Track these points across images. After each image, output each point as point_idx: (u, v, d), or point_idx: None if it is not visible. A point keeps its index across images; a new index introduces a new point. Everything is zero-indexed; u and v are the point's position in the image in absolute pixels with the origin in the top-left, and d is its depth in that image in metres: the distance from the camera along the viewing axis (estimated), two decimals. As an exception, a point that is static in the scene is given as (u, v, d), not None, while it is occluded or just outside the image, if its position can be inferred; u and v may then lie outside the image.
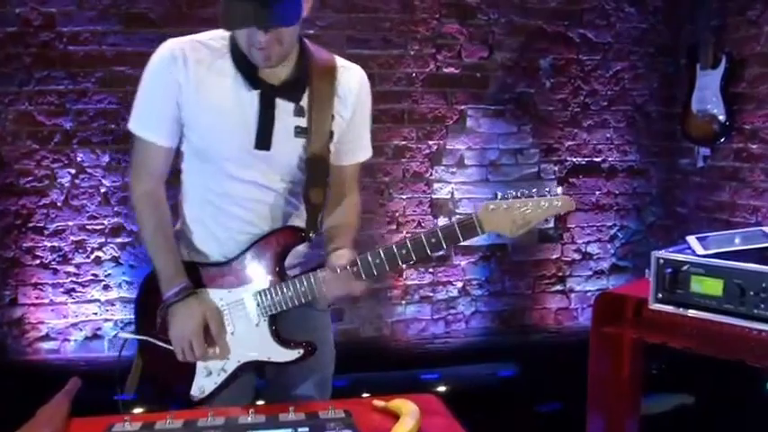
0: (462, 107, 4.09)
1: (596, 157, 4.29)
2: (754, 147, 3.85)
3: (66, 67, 3.63)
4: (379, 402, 1.73)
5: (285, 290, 1.87)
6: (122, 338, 1.98)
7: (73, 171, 3.69)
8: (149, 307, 1.95)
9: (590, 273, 4.36)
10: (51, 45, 3.61)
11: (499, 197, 1.77)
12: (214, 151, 1.89)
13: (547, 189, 1.79)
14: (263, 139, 1.87)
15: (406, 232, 4.09)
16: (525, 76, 4.14)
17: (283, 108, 1.88)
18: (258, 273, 1.92)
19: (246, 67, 1.84)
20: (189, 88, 1.84)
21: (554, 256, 4.31)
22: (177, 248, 1.98)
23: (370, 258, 1.83)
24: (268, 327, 1.91)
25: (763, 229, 2.13)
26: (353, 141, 2.05)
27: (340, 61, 1.98)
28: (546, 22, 4.12)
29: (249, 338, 1.92)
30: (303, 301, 1.87)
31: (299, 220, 2.02)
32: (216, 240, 1.98)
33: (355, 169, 2.10)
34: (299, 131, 1.90)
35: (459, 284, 4.20)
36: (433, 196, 4.12)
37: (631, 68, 4.27)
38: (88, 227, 3.75)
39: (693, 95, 3.98)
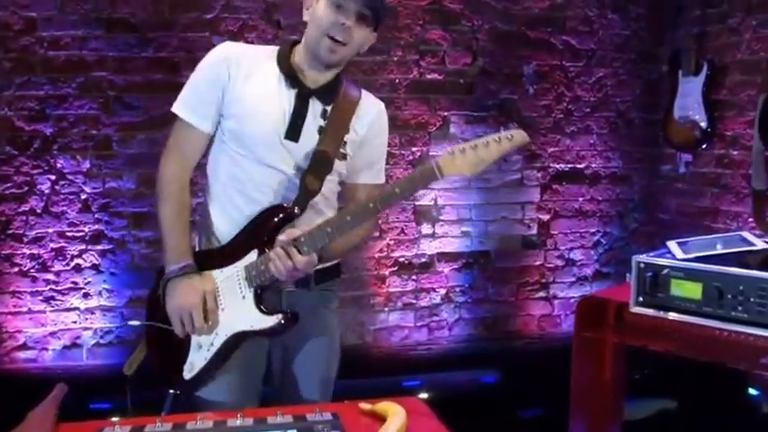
0: (446, 113, 4.16)
1: (579, 163, 4.38)
2: (735, 153, 3.95)
3: (47, 72, 3.66)
4: (365, 405, 1.79)
5: (268, 262, 2.02)
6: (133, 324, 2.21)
7: (53, 177, 3.72)
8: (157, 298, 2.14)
9: (573, 279, 4.45)
10: (32, 50, 3.64)
11: (458, 144, 1.91)
12: (248, 135, 2.10)
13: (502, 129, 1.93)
14: (294, 132, 2.10)
15: (390, 239, 4.15)
16: (508, 82, 4.23)
17: (314, 108, 2.13)
18: (248, 248, 2.10)
19: (289, 73, 2.11)
20: (237, 78, 2.09)
21: (537, 263, 4.39)
22: (190, 236, 2.17)
23: (323, 226, 1.99)
24: (253, 297, 2.08)
25: (742, 234, 2.22)
26: (365, 161, 2.23)
27: (365, 92, 2.25)
28: (529, 29, 4.21)
29: (236, 312, 2.09)
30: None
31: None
32: (231, 222, 2.15)
33: (370, 192, 2.18)
34: (320, 130, 2.13)
35: (443, 291, 4.27)
36: (417, 203, 4.19)
37: (614, 75, 4.37)
38: (68, 234, 3.78)
39: (675, 102, 4.08)
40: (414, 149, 4.13)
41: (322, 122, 2.12)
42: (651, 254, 2.13)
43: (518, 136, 1.86)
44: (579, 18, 4.27)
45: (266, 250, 2.06)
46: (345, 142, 2.16)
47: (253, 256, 2.08)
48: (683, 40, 4.12)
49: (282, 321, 2.06)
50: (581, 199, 4.41)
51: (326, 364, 2.29)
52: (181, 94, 2.16)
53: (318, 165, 2.14)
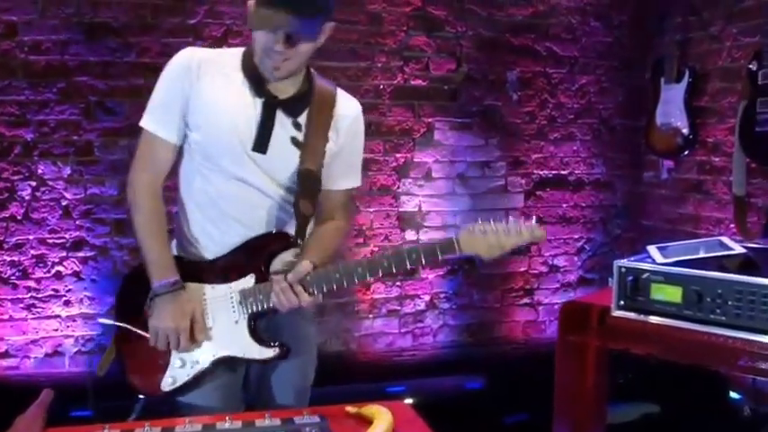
0: (430, 120, 4.23)
1: (563, 170, 4.46)
2: (717, 159, 4.05)
3: (28, 76, 3.69)
4: (351, 408, 1.84)
5: (267, 291, 2.04)
6: (103, 323, 2.17)
7: (33, 183, 3.74)
8: (131, 297, 2.13)
9: (557, 285, 4.52)
10: (12, 54, 3.66)
11: (479, 223, 1.99)
12: (214, 148, 2.06)
13: (524, 220, 2.01)
14: (261, 143, 2.05)
15: (374, 245, 4.21)
16: (493, 88, 4.30)
17: (283, 119, 2.08)
18: (243, 272, 2.08)
19: (255, 79, 2.05)
20: (199, 87, 2.04)
21: (522, 269, 4.46)
22: (169, 243, 2.15)
23: (332, 272, 2.03)
24: (247, 324, 2.07)
25: (721, 239, 2.29)
26: (342, 168, 2.22)
27: (340, 91, 2.19)
28: (513, 36, 4.29)
29: (227, 334, 2.07)
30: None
31: (291, 230, 2.17)
32: (210, 239, 2.13)
33: (344, 196, 2.28)
34: (295, 142, 2.09)
35: (427, 298, 4.33)
36: (401, 209, 4.25)
37: (597, 82, 4.45)
38: (49, 241, 3.81)
39: (657, 109, 4.17)
40: (398, 155, 4.20)
41: (296, 134, 2.09)
42: (632, 258, 2.19)
43: (539, 233, 2.00)
44: (562, 25, 4.36)
45: (264, 277, 2.06)
46: (325, 152, 2.14)
47: (249, 281, 2.07)
48: (665, 48, 4.21)
49: (278, 354, 2.08)
50: (565, 205, 4.49)
51: (303, 372, 2.28)
52: (148, 105, 2.12)
53: (308, 187, 2.13)
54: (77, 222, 3.83)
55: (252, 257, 2.09)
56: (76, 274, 3.85)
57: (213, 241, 2.12)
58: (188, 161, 2.14)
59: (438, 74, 4.22)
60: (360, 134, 2.25)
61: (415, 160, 4.22)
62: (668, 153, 4.23)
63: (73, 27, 3.73)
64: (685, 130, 4.07)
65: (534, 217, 2.03)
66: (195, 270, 2.11)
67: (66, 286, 3.83)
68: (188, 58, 2.07)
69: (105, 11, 3.75)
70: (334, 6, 2.01)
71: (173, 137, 2.10)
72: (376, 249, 4.22)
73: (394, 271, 2.05)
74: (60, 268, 3.82)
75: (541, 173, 4.43)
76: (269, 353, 2.07)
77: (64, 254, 3.83)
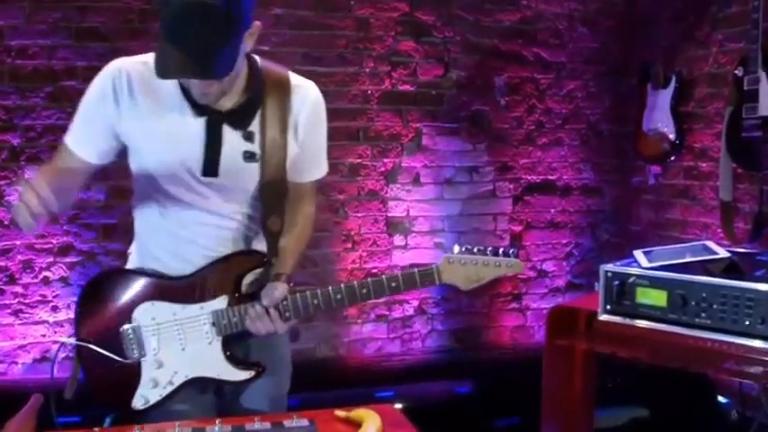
0: (418, 125, 4.26)
1: (551, 175, 4.50)
2: (704, 165, 4.09)
3: (15, 81, 3.70)
4: (340, 412, 1.86)
5: (241, 313, 1.98)
6: (60, 342, 2.12)
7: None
8: (90, 314, 2.04)
9: (546, 290, 4.56)
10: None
11: (456, 251, 2.00)
12: (162, 178, 1.96)
13: (501, 249, 2.03)
14: (211, 166, 1.94)
15: (362, 250, 4.23)
16: (480, 94, 4.34)
17: (231, 134, 1.95)
18: (215, 293, 2.00)
19: (190, 94, 1.89)
20: (132, 113, 1.91)
21: (510, 274, 4.48)
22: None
23: (310, 298, 1.99)
24: (221, 346, 2.01)
25: (706, 243, 2.34)
26: (310, 160, 2.13)
27: (294, 79, 2.05)
28: (501, 41, 4.34)
29: (200, 355, 2.01)
30: None
31: (261, 246, 2.10)
32: (173, 258, 2.05)
33: (312, 186, 2.20)
34: (249, 156, 1.96)
35: (416, 303, 4.35)
36: (389, 214, 4.28)
37: (584, 87, 4.50)
38: (36, 246, 3.81)
39: (644, 115, 4.21)
40: (386, 161, 4.23)
41: (249, 146, 1.96)
42: (618, 263, 2.23)
43: (517, 266, 2.04)
44: (550, 31, 4.40)
45: (238, 299, 2.00)
46: (287, 154, 2.02)
47: (222, 302, 2.00)
48: (651, 54, 4.26)
49: (253, 376, 2.03)
50: (553, 210, 4.53)
51: (276, 380, 2.19)
52: (72, 121, 2.03)
53: (274, 201, 2.04)
54: (65, 228, 3.84)
55: (223, 278, 2.02)
56: (64, 280, 3.85)
57: (177, 260, 2.04)
58: (137, 184, 2.07)
59: (426, 79, 4.25)
60: (321, 122, 2.12)
61: (403, 165, 4.25)
62: (655, 158, 4.27)
63: (60, 32, 3.74)
64: (672, 136, 4.11)
65: (513, 250, 2.05)
66: (162, 288, 2.03)
67: (53, 291, 3.83)
68: (115, 75, 1.93)
69: (93, 15, 3.77)
70: (252, 6, 1.84)
71: (91, 156, 2.00)
72: (364, 254, 4.24)
73: (373, 297, 2.03)
74: (48, 274, 3.83)
75: (530, 178, 4.47)
76: (244, 375, 2.03)
77: (51, 259, 3.83)
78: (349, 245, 4.21)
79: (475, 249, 2.00)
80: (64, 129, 3.75)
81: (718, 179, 3.95)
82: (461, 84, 4.30)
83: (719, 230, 3.95)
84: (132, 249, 2.18)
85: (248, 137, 1.96)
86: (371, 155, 4.20)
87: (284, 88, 2.01)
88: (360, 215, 4.22)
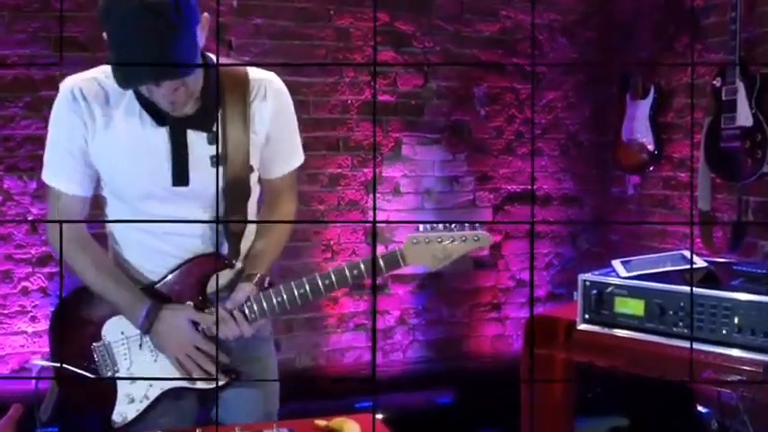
0: (398, 135, 4.28)
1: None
2: (683, 175, 4.14)
3: (-6, 92, 3.70)
4: (320, 422, 1.87)
5: (208, 319, 1.95)
6: (38, 365, 2.09)
7: (0, 198, 3.74)
8: (64, 334, 2.02)
9: (525, 300, 4.59)
10: (-23, 69, 3.68)
11: (421, 229, 1.97)
12: (130, 193, 1.95)
13: (467, 224, 2.00)
14: (180, 175, 1.90)
15: (342, 260, 4.24)
16: (460, 104, 4.37)
17: (196, 139, 1.92)
18: (180, 299, 1.98)
19: (151, 104, 1.85)
20: (94, 129, 1.88)
21: (489, 284, 4.52)
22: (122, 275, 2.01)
23: (273, 296, 1.97)
24: None
25: (683, 252, 2.37)
26: (279, 152, 2.09)
27: (252, 73, 2.01)
28: (481, 51, 4.37)
29: (171, 365, 1.98)
30: None
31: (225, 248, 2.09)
32: (141, 266, 2.03)
33: (289, 179, 2.16)
34: (214, 160, 1.93)
35: (397, 313, 4.36)
36: (368, 224, 4.29)
37: (564, 97, 4.54)
38: (15, 256, 3.79)
39: (623, 125, 4.26)
40: (366, 171, 4.24)
41: (213, 151, 1.91)
42: (596, 272, 2.26)
43: (484, 239, 1.98)
44: (529, 41, 4.44)
45: (203, 304, 1.98)
46: (249, 152, 1.97)
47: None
48: (630, 64, 4.32)
49: (227, 382, 1.99)
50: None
51: (263, 394, 2.15)
52: (44, 157, 1.96)
53: (233, 201, 2.00)
54: (43, 237, 3.82)
55: (186, 283, 1.99)
56: (43, 290, 3.83)
57: (144, 269, 2.03)
58: (106, 199, 2.05)
59: (406, 89, 4.28)
60: (285, 112, 2.06)
61: (384, 175, 4.27)
62: (634, 169, 4.32)
63: (40, 41, 3.74)
64: (651, 146, 4.16)
65: (477, 224, 2.02)
66: None
67: (32, 302, 3.80)
68: (71, 92, 1.88)
69: (72, 26, 3.76)
70: (196, 3, 1.77)
71: (80, 189, 1.95)
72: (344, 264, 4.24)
73: (336, 288, 2.00)
74: (27, 284, 3.80)
75: (509, 188, 4.50)
76: (220, 381, 1.97)
77: (30, 269, 3.81)
78: (329, 254, 4.22)
79: (441, 227, 1.97)
80: (42, 139, 3.78)
81: (696, 189, 4.01)
82: (441, 94, 4.33)
83: (698, 240, 4.00)
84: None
85: (212, 140, 1.92)
86: (351, 164, 4.21)
87: (242, 83, 1.97)
88: (339, 225, 4.23)
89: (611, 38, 4.56)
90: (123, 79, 1.72)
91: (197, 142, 1.91)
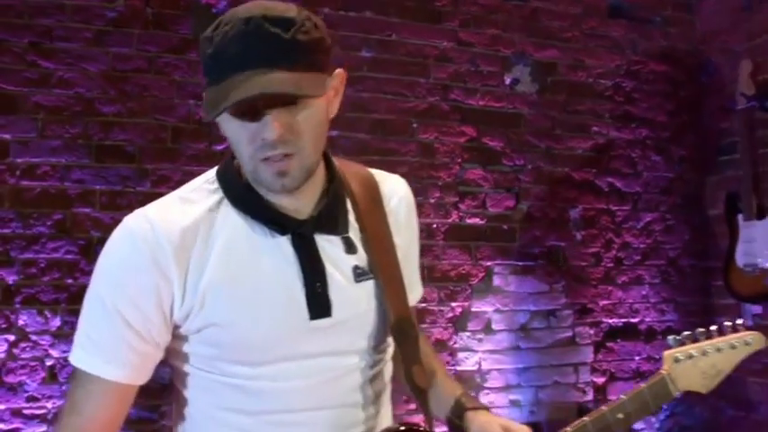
0: (489, 263, 3.09)
1: (633, 317, 3.32)
2: (814, 304, 2.99)
3: (17, 206, 2.48)
4: None
5: None
6: None
7: (12, 338, 2.43)
8: None
9: (635, 453, 3.27)
10: (1, 178, 2.47)
11: (674, 343, 1.35)
12: (249, 351, 1.08)
13: (726, 323, 1.38)
14: (320, 301, 1.09)
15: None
16: (554, 227, 3.22)
17: (328, 245, 1.13)
18: None
19: (260, 207, 1.11)
20: (185, 275, 1.06)
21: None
22: None
23: None
24: None
25: None
26: (412, 274, 1.29)
27: (376, 172, 1.29)
28: (573, 170, 3.27)
29: None
30: None
31: (387, 416, 1.20)
32: None
33: (415, 311, 1.31)
34: (361, 273, 1.14)
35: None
36: (458, 368, 3.01)
37: (662, 220, 3.41)
38: (26, 412, 2.45)
39: (738, 248, 3.14)
40: (454, 305, 3.02)
41: (355, 259, 1.15)
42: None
43: (757, 340, 1.39)
44: (623, 159, 3.37)
45: None
46: (400, 268, 1.19)
47: None
48: (732, 183, 3.25)
49: None
50: (637, 358, 3.30)
51: None
52: (79, 332, 1.09)
53: (406, 339, 1.17)
54: (64, 387, 2.50)
55: None
56: (59, 458, 2.46)
57: None
58: (189, 385, 1.13)
59: (496, 211, 3.13)
60: (417, 223, 1.34)
61: (473, 310, 3.04)
62: (756, 297, 3.14)
63: (78, 149, 2.58)
64: (777, 272, 3.02)
65: (740, 321, 1.39)
66: None
67: (44, 474, 2.44)
68: (138, 242, 1.06)
69: (118, 132, 2.63)
70: (332, 47, 1.10)
71: (137, 377, 1.09)
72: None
73: None
74: (38, 449, 2.45)
75: (611, 321, 3.27)
76: None
77: (44, 429, 2.46)
78: (412, 406, 2.91)
79: (696, 333, 1.37)
80: (71, 266, 2.53)
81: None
82: (534, 216, 3.18)
83: None
84: None
85: (349, 246, 1.15)
86: (438, 298, 2.99)
87: (370, 181, 1.25)
88: (424, 369, 2.95)
89: (703, 156, 3.51)
90: (217, 101, 0.98)
91: (331, 249, 1.13)
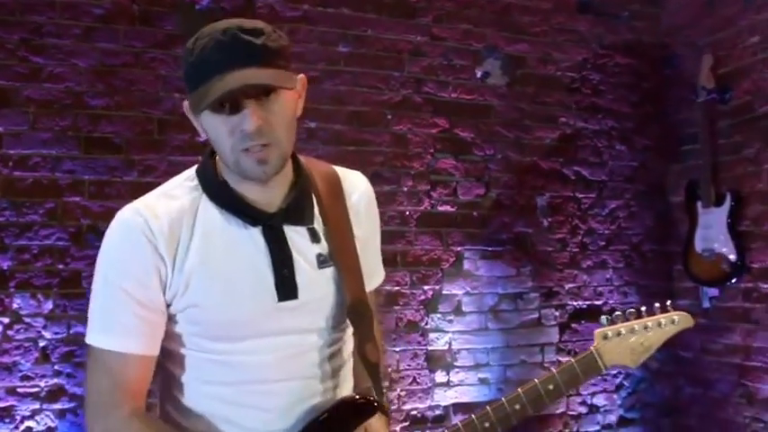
0: (459, 248, 3.29)
1: (597, 300, 3.53)
2: (766, 286, 3.19)
3: (10, 195, 2.65)
4: None
5: None
6: None
7: (6, 320, 2.62)
8: None
9: (598, 427, 3.48)
10: (-7, 169, 2.65)
11: (604, 321, 1.51)
12: (226, 328, 1.25)
13: (657, 305, 1.53)
14: (287, 285, 1.25)
15: (401, 390, 3.14)
16: (523, 214, 3.42)
17: (295, 235, 1.29)
18: None
19: (233, 201, 1.27)
20: (174, 258, 1.23)
21: (559, 411, 3.42)
22: None
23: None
24: None
25: None
26: (372, 261, 1.44)
27: (339, 171, 1.42)
28: (541, 159, 3.47)
29: None
30: None
31: (347, 388, 1.36)
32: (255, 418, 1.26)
33: (376, 296, 1.50)
34: (323, 260, 1.30)
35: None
36: (429, 348, 3.22)
37: (626, 207, 3.62)
38: (20, 390, 2.64)
39: (696, 234, 3.35)
40: (426, 288, 3.22)
41: (318, 248, 1.31)
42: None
43: (685, 320, 1.52)
44: (589, 148, 3.56)
45: None
46: (358, 256, 1.35)
47: None
48: (693, 172, 3.45)
49: None
50: (601, 339, 3.53)
51: None
52: (93, 314, 1.26)
53: (360, 319, 1.33)
54: (56, 367, 2.69)
55: None
56: (51, 431, 2.66)
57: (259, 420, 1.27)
58: (177, 356, 1.30)
59: (467, 199, 3.32)
60: (377, 214, 1.48)
61: (444, 293, 3.25)
62: (713, 281, 3.36)
63: (68, 141, 2.75)
64: (732, 256, 3.23)
65: (669, 302, 1.53)
66: None
67: (37, 447, 2.64)
68: (136, 230, 1.23)
69: (106, 124, 2.80)
70: (291, 56, 1.27)
71: (149, 348, 1.25)
72: (403, 394, 3.15)
73: (530, 413, 1.40)
74: (31, 423, 2.64)
75: (575, 304, 3.49)
76: None
77: (37, 405, 2.65)
78: (386, 383, 3.12)
79: (626, 313, 1.52)
80: (63, 252, 2.72)
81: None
82: (502, 204, 3.38)
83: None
84: None
85: (314, 236, 1.31)
86: (411, 281, 3.19)
87: (333, 177, 1.39)
88: (398, 349, 3.15)
89: (667, 145, 3.71)
90: (203, 98, 1.16)
91: (297, 239, 1.29)
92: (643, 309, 1.54)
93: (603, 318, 1.52)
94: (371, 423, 1.33)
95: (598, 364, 1.46)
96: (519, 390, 1.41)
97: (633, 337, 1.48)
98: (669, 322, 1.51)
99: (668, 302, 1.54)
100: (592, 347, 1.48)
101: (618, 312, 1.53)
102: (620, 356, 1.48)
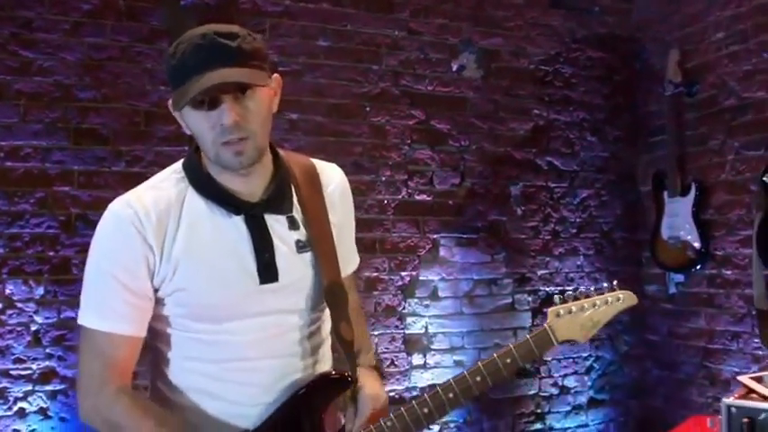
0: (435, 236, 3.46)
1: (568, 286, 3.71)
2: (728, 273, 3.38)
3: (2, 185, 2.79)
4: None
5: None
6: None
7: (0, 305, 2.77)
8: None
9: (569, 408, 3.67)
10: (-14, 160, 2.79)
11: (557, 301, 1.59)
12: (212, 310, 1.37)
13: (604, 285, 1.63)
14: (268, 269, 1.38)
15: (380, 373, 3.32)
16: (497, 203, 3.59)
17: (276, 226, 1.41)
18: None
19: (217, 192, 1.39)
20: (162, 247, 1.35)
21: (531, 392, 3.61)
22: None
23: (417, 409, 1.45)
24: None
25: None
26: (345, 249, 1.55)
27: (317, 163, 1.55)
28: (514, 150, 3.63)
29: None
30: None
31: (326, 365, 1.50)
32: (214, 427, 1.39)
33: (352, 281, 1.63)
34: (302, 246, 1.42)
35: (436, 428, 3.40)
36: (407, 332, 3.39)
37: (596, 195, 3.80)
38: (12, 372, 2.79)
39: (663, 222, 3.53)
40: (403, 274, 3.39)
41: (298, 235, 1.43)
42: (735, 395, 1.52)
43: (627, 298, 1.61)
44: (561, 139, 3.73)
45: None
46: (334, 243, 1.48)
47: None
48: (662, 162, 3.63)
49: None
50: (572, 323, 3.71)
51: None
52: (85, 296, 1.39)
53: (336, 301, 1.46)
54: (47, 350, 2.84)
55: (305, 423, 1.40)
56: (43, 412, 2.81)
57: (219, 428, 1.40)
58: (164, 336, 1.43)
59: (443, 188, 3.49)
60: (352, 203, 1.60)
61: (421, 278, 3.42)
62: (678, 267, 3.54)
63: (57, 133, 2.89)
64: (697, 244, 3.41)
65: (615, 282, 1.63)
66: None
67: (29, 426, 2.78)
68: (129, 219, 1.34)
69: (94, 116, 2.94)
70: (266, 57, 1.40)
71: (136, 329, 1.38)
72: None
73: (490, 385, 1.49)
74: (24, 405, 2.78)
75: (548, 289, 3.67)
76: None
77: (29, 387, 2.80)
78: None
79: (577, 293, 1.61)
80: (53, 239, 2.87)
81: (746, 287, 3.26)
82: (477, 193, 3.55)
83: (756, 341, 3.21)
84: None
85: (293, 224, 1.43)
86: (389, 267, 3.36)
87: (311, 169, 1.51)
88: (376, 333, 3.32)
89: (636, 136, 3.88)
90: (184, 95, 1.29)
91: (277, 227, 1.42)
92: (592, 288, 1.63)
93: (556, 297, 1.62)
94: (365, 382, 1.47)
95: (551, 339, 1.56)
96: (479, 363, 1.51)
97: (583, 315, 1.57)
98: (615, 300, 1.60)
99: (614, 282, 1.65)
100: (545, 324, 1.58)
101: (569, 292, 1.64)
102: (570, 332, 1.57)
